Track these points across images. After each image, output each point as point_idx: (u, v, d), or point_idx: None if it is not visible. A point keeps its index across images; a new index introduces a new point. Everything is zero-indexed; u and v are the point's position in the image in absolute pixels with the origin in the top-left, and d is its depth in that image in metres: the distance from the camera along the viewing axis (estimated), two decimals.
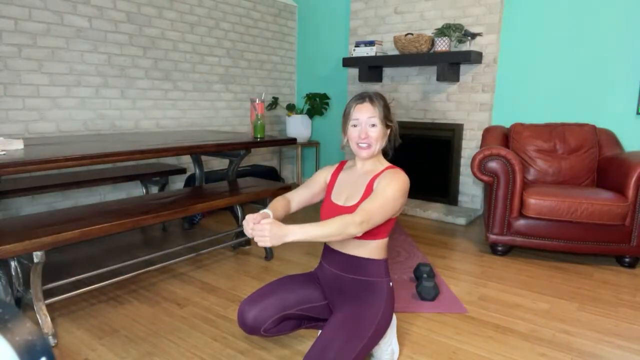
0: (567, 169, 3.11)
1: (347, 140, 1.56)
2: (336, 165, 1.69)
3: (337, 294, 1.56)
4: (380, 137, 1.51)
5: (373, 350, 1.68)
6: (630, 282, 2.55)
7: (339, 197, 1.57)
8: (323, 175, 1.68)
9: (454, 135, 3.96)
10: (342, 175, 1.63)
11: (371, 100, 1.50)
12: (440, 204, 4.09)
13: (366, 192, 1.50)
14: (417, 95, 4.16)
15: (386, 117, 1.51)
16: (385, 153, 1.61)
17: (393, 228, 3.48)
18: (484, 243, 3.19)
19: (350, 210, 1.49)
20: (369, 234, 1.49)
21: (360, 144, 1.50)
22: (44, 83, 3.11)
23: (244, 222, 1.36)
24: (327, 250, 1.61)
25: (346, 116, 1.54)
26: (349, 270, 1.53)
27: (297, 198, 1.67)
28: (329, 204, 1.58)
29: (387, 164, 1.58)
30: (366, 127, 1.49)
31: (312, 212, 4.00)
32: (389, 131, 1.55)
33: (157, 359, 1.73)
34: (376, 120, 1.49)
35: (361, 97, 1.52)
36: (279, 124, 5.10)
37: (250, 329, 1.51)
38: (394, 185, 1.43)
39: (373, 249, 1.52)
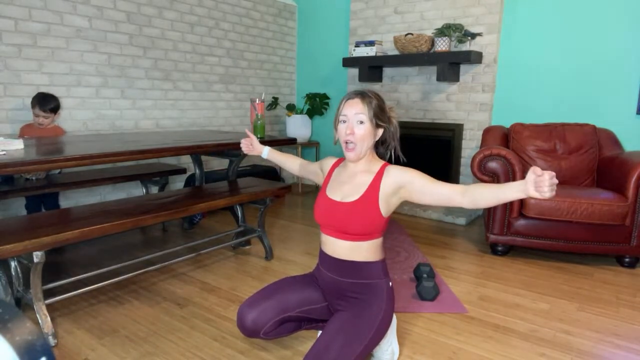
0: (567, 169, 3.11)
1: (338, 138, 1.53)
2: (336, 160, 1.67)
3: (336, 297, 1.55)
4: (367, 137, 1.46)
5: (373, 351, 1.67)
6: (630, 282, 2.55)
7: (334, 193, 1.53)
8: (325, 163, 1.70)
9: (454, 135, 3.96)
10: (337, 171, 1.61)
11: (362, 97, 1.46)
12: None
13: (367, 192, 1.46)
14: (417, 95, 4.16)
15: (377, 116, 1.46)
16: (381, 156, 1.59)
17: (393, 228, 3.48)
18: (484, 243, 3.19)
19: (350, 206, 1.46)
20: (362, 235, 1.47)
21: (347, 143, 1.47)
22: (44, 83, 3.11)
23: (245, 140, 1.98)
24: (323, 255, 1.57)
25: (337, 112, 1.51)
26: (346, 275, 1.51)
27: (305, 165, 1.87)
28: (324, 199, 1.55)
29: (382, 161, 1.55)
30: (353, 124, 1.45)
31: (310, 212, 4.00)
32: (380, 131, 1.50)
33: (157, 359, 1.73)
34: (364, 118, 1.44)
35: (353, 93, 1.49)
36: (279, 124, 5.10)
37: (249, 332, 1.49)
38: (418, 172, 1.46)
39: (368, 251, 1.49)
